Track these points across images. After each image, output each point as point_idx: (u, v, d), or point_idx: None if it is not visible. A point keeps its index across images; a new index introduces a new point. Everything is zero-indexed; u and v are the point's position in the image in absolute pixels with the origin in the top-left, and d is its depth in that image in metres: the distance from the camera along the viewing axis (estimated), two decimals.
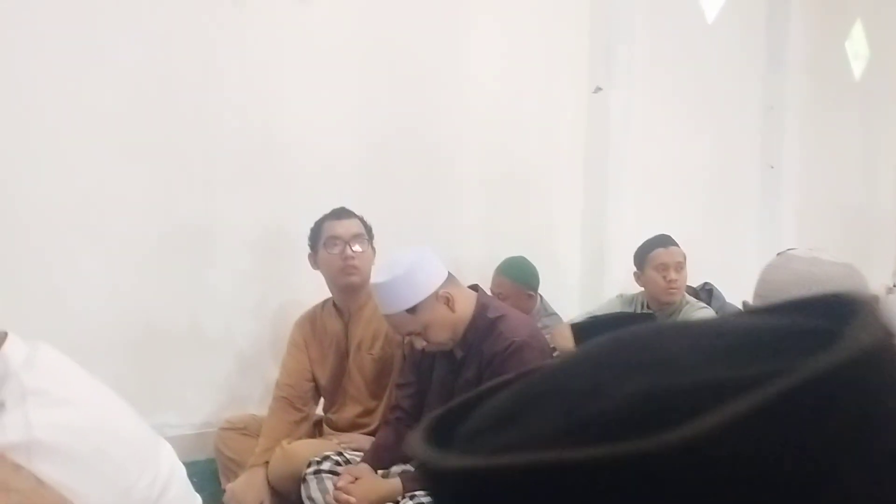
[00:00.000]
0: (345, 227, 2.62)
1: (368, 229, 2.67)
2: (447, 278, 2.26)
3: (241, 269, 2.99)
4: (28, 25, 2.52)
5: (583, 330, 2.27)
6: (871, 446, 0.28)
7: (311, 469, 2.35)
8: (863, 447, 0.28)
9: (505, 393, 0.35)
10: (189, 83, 2.84)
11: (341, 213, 2.66)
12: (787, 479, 0.27)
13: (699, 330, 0.34)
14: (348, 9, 3.19)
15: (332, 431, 2.67)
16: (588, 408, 0.31)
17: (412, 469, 2.29)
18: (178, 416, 2.84)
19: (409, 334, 2.28)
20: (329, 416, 2.74)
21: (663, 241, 3.16)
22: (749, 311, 0.37)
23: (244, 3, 2.93)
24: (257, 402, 2.89)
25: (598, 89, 4.00)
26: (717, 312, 3.01)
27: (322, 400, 2.77)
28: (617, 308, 3.23)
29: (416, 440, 0.34)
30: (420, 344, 2.27)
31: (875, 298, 0.33)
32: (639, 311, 3.14)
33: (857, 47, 5.67)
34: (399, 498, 2.16)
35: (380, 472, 2.31)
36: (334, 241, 2.60)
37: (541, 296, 3.35)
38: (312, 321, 2.74)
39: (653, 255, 3.10)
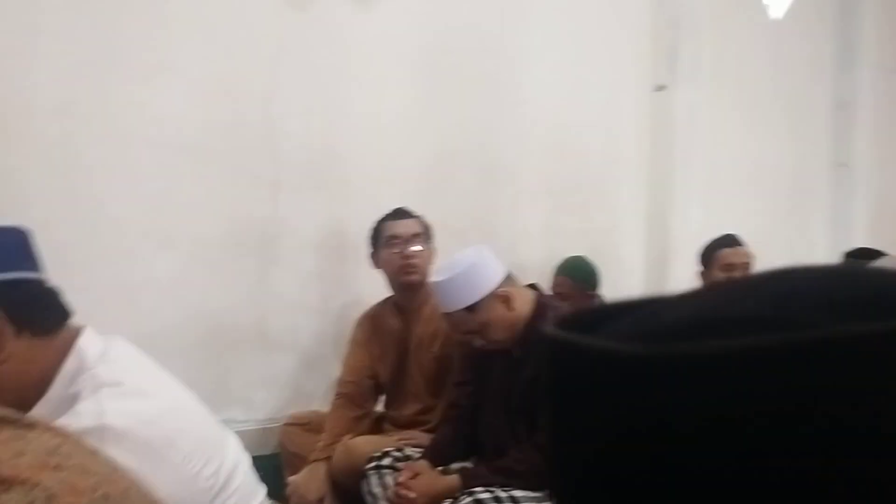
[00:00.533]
0: (404, 227, 2.66)
1: (427, 229, 2.71)
2: (506, 277, 2.28)
3: (306, 269, 3.06)
4: (102, 36, 2.64)
5: None
6: None
7: (372, 465, 2.40)
8: None
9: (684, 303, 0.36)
10: (256, 90, 2.93)
11: (401, 213, 2.71)
12: None
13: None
14: (410, 15, 3.24)
15: (393, 428, 2.71)
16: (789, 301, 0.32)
17: (470, 466, 2.31)
18: (244, 411, 2.92)
19: (468, 333, 2.31)
20: (390, 412, 2.78)
21: (730, 240, 3.12)
22: None
23: (308, 11, 3.01)
24: (321, 399, 2.96)
25: (662, 87, 3.97)
26: None
27: (383, 397, 2.81)
28: None
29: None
30: (478, 342, 2.29)
31: None
32: None
33: None
34: (458, 494, 2.18)
35: (439, 468, 2.34)
36: (394, 240, 2.65)
37: (601, 296, 3.34)
38: (373, 320, 2.79)
39: (719, 254, 3.06)
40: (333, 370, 2.90)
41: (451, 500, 2.19)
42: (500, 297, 2.23)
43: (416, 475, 2.27)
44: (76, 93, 2.60)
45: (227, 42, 2.86)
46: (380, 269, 2.72)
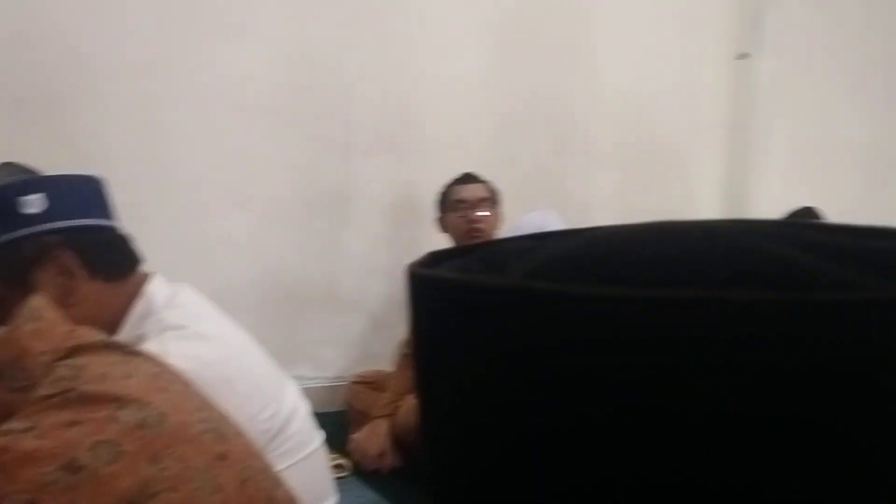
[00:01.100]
0: (471, 192, 2.67)
1: (495, 194, 2.72)
2: None
3: (375, 232, 3.11)
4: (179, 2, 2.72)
5: None
6: None
7: None
8: None
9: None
10: (331, 53, 2.97)
11: (468, 178, 2.72)
12: None
13: None
14: None
15: None
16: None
17: None
18: (312, 369, 3.00)
19: None
20: None
21: (810, 214, 3.03)
22: None
23: None
24: (386, 359, 3.01)
25: (744, 55, 3.84)
26: None
27: None
28: None
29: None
30: None
31: None
32: None
33: None
34: None
35: None
36: (460, 204, 2.66)
37: None
38: None
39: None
40: (400, 331, 2.94)
41: None
42: None
43: None
44: (158, 53, 2.69)
45: (304, 4, 2.91)
46: (446, 233, 2.75)
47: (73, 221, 1.31)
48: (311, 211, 3.00)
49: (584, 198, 3.49)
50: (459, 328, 0.32)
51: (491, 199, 2.70)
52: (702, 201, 3.87)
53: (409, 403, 2.60)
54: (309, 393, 1.57)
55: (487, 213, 2.65)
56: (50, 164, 1.91)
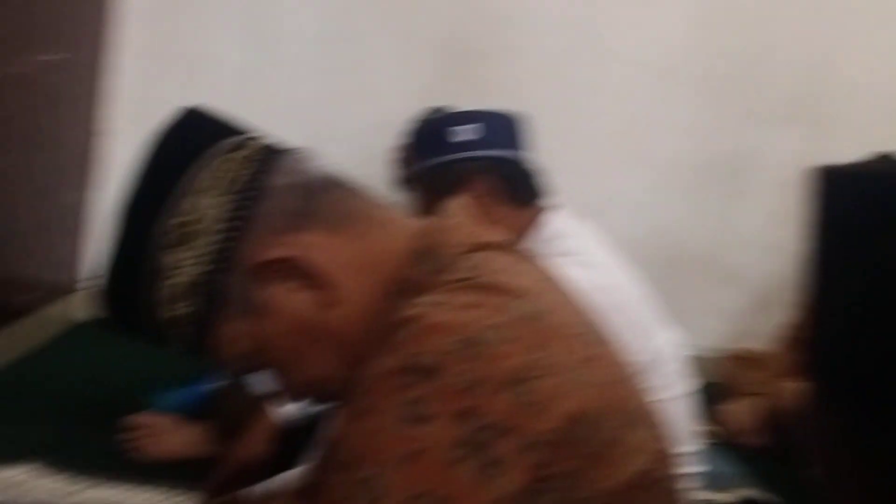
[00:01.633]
0: None
1: None
2: None
3: (771, 207, 2.96)
4: None
5: None
6: None
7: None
8: None
9: None
10: (749, 17, 2.87)
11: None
12: None
13: None
14: None
15: None
16: None
17: None
18: (690, 337, 2.97)
19: None
20: None
21: None
22: None
23: None
24: (762, 339, 2.88)
25: None
26: None
27: None
28: None
29: None
30: None
31: None
32: None
33: None
34: None
35: None
36: None
37: None
38: None
39: None
40: (782, 312, 2.79)
41: None
42: None
43: None
44: (576, 12, 2.83)
45: None
46: None
47: (497, 151, 1.54)
48: (705, 177, 2.95)
49: None
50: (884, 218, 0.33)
51: None
52: None
53: (790, 387, 2.47)
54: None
55: None
56: None
